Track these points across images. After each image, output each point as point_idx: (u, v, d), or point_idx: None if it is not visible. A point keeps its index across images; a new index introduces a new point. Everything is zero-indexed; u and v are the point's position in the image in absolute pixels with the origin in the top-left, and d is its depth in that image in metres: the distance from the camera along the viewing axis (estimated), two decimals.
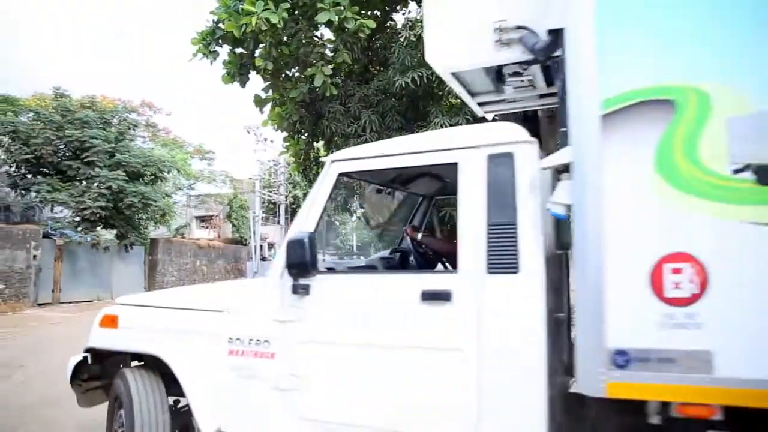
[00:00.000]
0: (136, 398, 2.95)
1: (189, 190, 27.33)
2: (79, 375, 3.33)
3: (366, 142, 7.25)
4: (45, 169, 16.18)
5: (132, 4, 52.37)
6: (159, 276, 18.99)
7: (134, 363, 3.26)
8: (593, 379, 1.94)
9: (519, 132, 2.37)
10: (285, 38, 6.94)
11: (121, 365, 3.29)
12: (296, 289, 2.59)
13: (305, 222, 2.65)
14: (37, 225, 15.70)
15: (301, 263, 2.48)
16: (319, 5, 6.20)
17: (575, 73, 2.06)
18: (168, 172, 19.63)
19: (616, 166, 1.94)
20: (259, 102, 8.34)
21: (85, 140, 15.90)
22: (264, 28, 6.20)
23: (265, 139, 25.07)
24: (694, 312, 1.82)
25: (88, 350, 3.26)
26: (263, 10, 6.13)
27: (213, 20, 8.30)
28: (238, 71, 7.62)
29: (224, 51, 7.66)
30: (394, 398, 2.39)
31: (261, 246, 26.58)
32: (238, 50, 7.57)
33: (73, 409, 4.64)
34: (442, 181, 3.49)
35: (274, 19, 6.12)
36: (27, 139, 15.50)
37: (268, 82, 8.07)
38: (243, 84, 7.82)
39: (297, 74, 7.96)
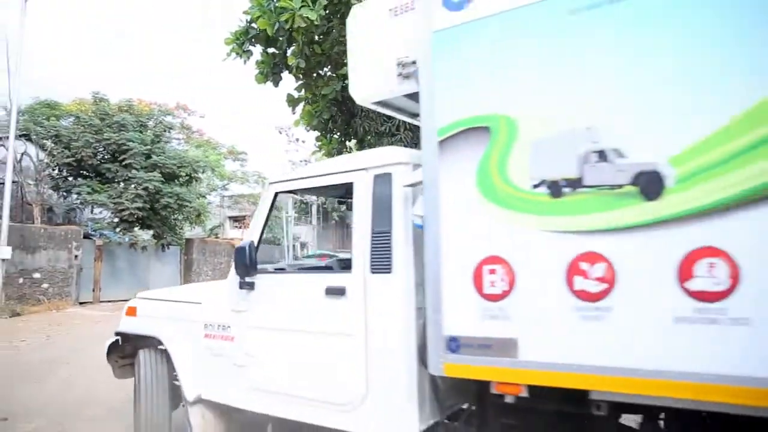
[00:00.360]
0: (143, 373, 3.73)
1: (222, 191, 27.84)
2: (114, 353, 4.14)
3: (400, 140, 7.17)
4: (85, 172, 16.77)
5: (132, 4, 53.64)
6: (194, 275, 19.40)
7: (161, 346, 3.78)
8: (436, 361, 2.38)
9: (398, 155, 2.84)
10: (317, 37, 6.93)
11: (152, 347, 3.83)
12: (242, 286, 3.25)
13: (251, 233, 3.32)
14: (78, 226, 16.28)
15: (244, 265, 3.14)
16: (353, 2, 6.16)
17: (422, 104, 2.49)
18: (202, 173, 20.04)
19: (449, 184, 2.37)
20: (292, 101, 8.38)
21: (122, 143, 16.40)
22: (303, 24, 6.20)
23: (297, 140, 25.32)
24: (505, 306, 2.22)
25: (117, 333, 4.05)
26: (301, 7, 6.13)
27: (246, 20, 8.41)
28: (271, 71, 7.66)
29: (257, 51, 7.72)
30: (311, 373, 2.96)
31: (294, 246, 26.85)
32: (270, 50, 7.61)
33: (115, 407, 4.75)
34: None
35: (313, 16, 6.12)
36: (68, 142, 16.09)
37: (301, 82, 8.09)
38: (276, 83, 7.88)
39: (329, 73, 7.96)
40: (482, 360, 2.26)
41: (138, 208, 16.14)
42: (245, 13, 8.48)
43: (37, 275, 14.28)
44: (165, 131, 19.00)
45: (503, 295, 2.22)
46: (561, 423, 2.40)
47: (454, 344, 2.34)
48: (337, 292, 2.87)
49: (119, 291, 16.69)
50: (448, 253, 2.36)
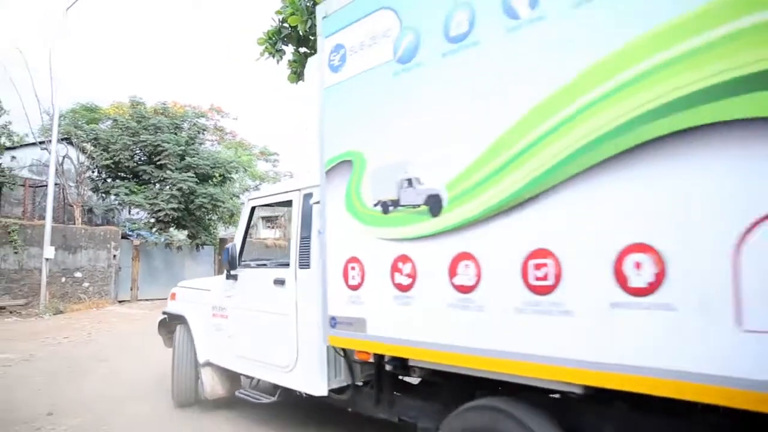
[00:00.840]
0: (176, 342, 4.95)
1: (255, 191, 28.20)
2: (164, 327, 5.42)
3: None
4: (122, 173, 17.30)
5: (167, 9, 54.73)
6: None
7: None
8: (325, 334, 3.18)
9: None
10: None
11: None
12: (228, 277, 4.39)
13: (236, 238, 4.48)
14: (116, 226, 16.79)
15: (228, 262, 4.28)
16: None
17: (318, 142, 3.25)
18: (235, 173, 20.37)
19: (331, 203, 3.14)
20: None
21: (157, 144, 16.86)
22: None
23: None
24: (359, 294, 2.96)
25: (164, 313, 5.37)
26: None
27: (278, 20, 8.48)
28: (303, 70, 7.69)
29: (289, 51, 7.76)
30: (267, 343, 3.94)
31: None
32: (302, 50, 7.64)
33: (154, 403, 4.85)
34: None
35: None
36: (107, 145, 16.64)
37: None
38: None
39: None
40: (348, 334, 3.03)
41: (173, 209, 16.54)
42: (277, 12, 8.57)
43: (78, 274, 14.80)
44: (199, 133, 19.42)
45: (358, 286, 2.98)
46: (416, 385, 3.38)
47: (333, 322, 3.12)
48: (280, 282, 3.86)
49: (156, 290, 17.14)
50: (331, 253, 3.15)
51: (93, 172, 17.51)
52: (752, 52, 1.65)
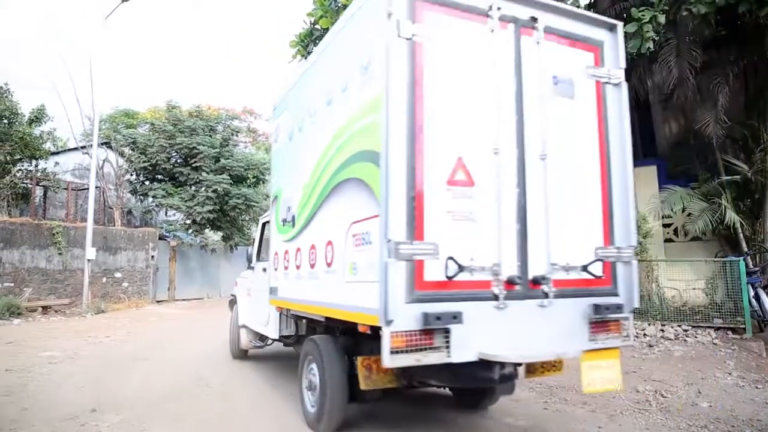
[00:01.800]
0: (233, 313, 7.39)
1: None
2: (230, 305, 7.73)
3: None
4: (160, 176, 17.83)
5: (199, 12, 55.68)
6: None
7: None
8: (268, 298, 5.41)
9: None
10: None
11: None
12: (248, 268, 6.95)
13: (254, 245, 6.97)
14: (154, 228, 17.29)
15: (248, 259, 7.07)
16: None
17: (270, 184, 6.68)
18: (269, 174, 20.70)
19: (272, 222, 5.48)
20: None
21: (193, 146, 17.32)
22: None
23: None
24: (277, 274, 5.14)
25: (231, 295, 7.86)
26: None
27: (309, 22, 8.60)
28: None
29: None
30: (260, 308, 6.08)
31: None
32: None
33: (194, 404, 4.98)
34: None
35: None
36: (144, 148, 17.20)
37: None
38: None
39: None
40: (275, 297, 5.19)
41: (209, 211, 16.95)
42: (308, 15, 8.70)
43: (118, 275, 15.36)
44: (232, 135, 19.82)
45: (277, 269, 5.08)
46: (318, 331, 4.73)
47: (272, 290, 5.27)
48: (264, 269, 5.94)
49: (192, 290, 17.62)
50: (270, 250, 5.41)
51: (131, 174, 18.11)
52: (351, 148, 3.49)
